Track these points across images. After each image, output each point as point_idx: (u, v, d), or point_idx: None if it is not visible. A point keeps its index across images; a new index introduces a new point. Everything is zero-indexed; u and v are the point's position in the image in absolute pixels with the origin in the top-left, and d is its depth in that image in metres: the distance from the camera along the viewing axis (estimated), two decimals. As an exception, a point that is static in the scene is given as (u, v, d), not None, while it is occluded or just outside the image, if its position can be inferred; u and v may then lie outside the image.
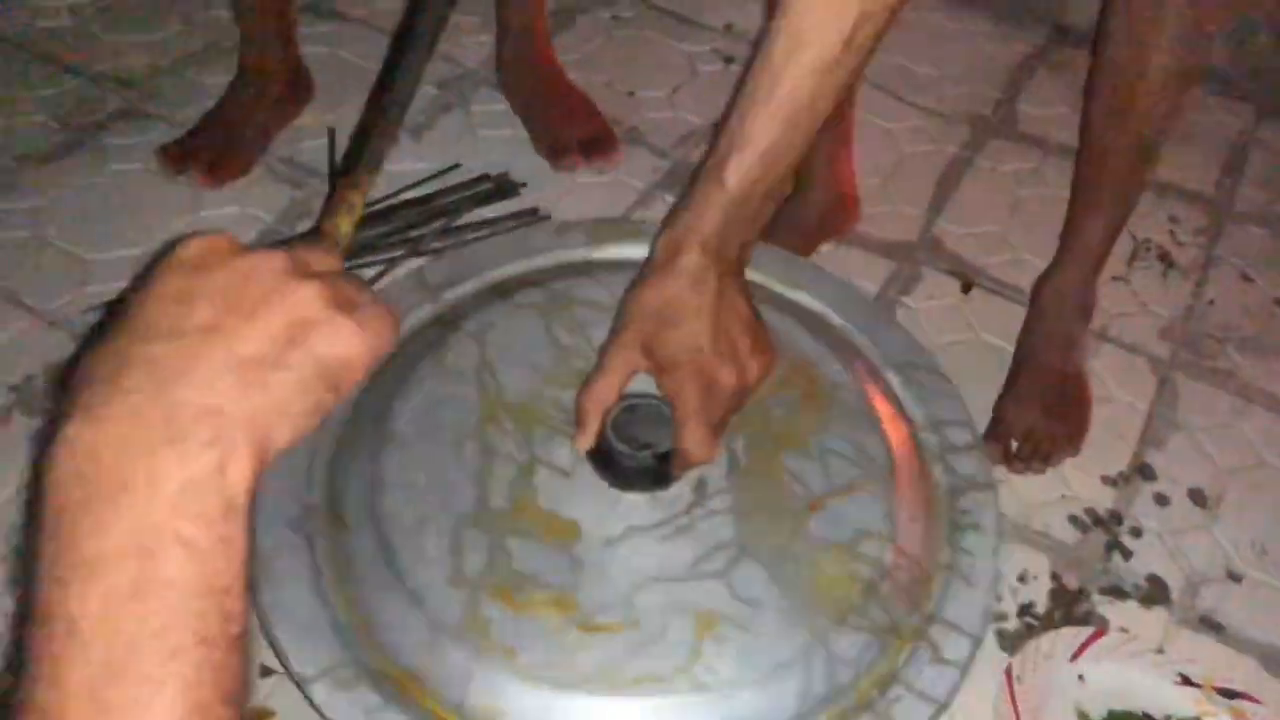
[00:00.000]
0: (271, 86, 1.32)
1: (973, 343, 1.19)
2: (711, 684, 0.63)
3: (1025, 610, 0.96)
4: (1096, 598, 0.97)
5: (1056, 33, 1.66)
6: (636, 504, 0.72)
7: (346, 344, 0.39)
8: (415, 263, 1.13)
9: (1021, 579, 0.98)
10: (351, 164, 0.56)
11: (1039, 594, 0.97)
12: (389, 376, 0.79)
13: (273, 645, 0.70)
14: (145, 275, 0.40)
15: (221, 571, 0.34)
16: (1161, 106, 1.01)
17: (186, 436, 0.35)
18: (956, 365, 1.14)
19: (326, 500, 0.74)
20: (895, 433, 0.79)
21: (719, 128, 0.73)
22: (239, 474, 0.35)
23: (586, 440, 0.73)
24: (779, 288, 0.93)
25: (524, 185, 1.29)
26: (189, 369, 0.36)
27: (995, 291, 1.25)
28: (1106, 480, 1.07)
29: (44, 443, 0.35)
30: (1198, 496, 1.06)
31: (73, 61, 1.41)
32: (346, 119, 1.34)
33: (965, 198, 1.37)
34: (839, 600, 0.68)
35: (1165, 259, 1.32)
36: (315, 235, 0.49)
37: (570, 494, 0.73)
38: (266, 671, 0.79)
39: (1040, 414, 1.08)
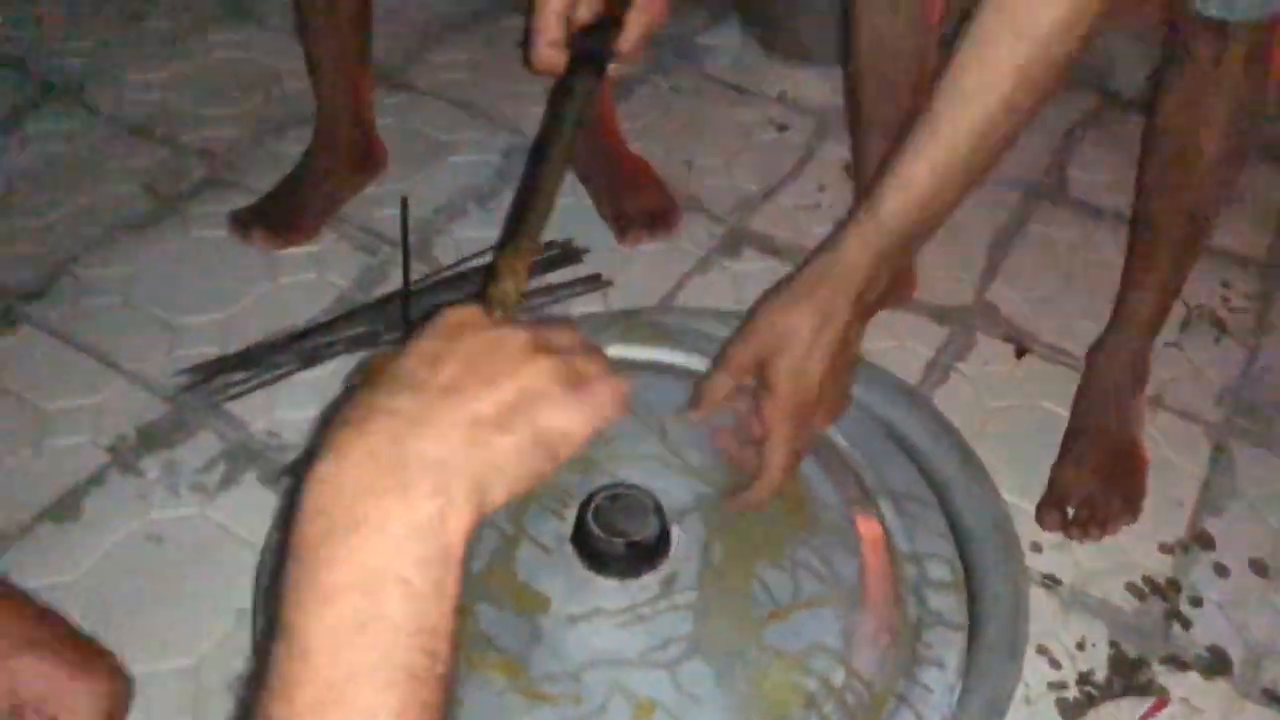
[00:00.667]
0: (345, 155, 1.38)
1: (1027, 408, 1.21)
2: None
3: (1085, 679, 0.97)
4: (1157, 667, 0.98)
5: (1105, 98, 1.69)
6: (607, 588, 0.74)
7: (568, 418, 0.43)
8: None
9: (1080, 646, 0.99)
10: (510, 236, 0.62)
11: (1098, 662, 0.98)
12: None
13: None
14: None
15: (433, 613, 0.37)
16: (1215, 181, 1.03)
17: (413, 485, 0.38)
18: (1011, 431, 1.17)
19: None
20: (872, 558, 0.80)
21: (862, 174, 0.76)
22: (457, 524, 0.39)
23: (698, 415, 0.78)
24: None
25: (587, 251, 1.34)
26: (424, 422, 0.40)
27: (1049, 358, 1.27)
28: (1164, 548, 1.08)
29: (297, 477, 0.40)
30: (1258, 566, 1.07)
31: (161, 133, 1.49)
32: (418, 187, 1.41)
33: (1018, 263, 1.39)
34: (779, 709, 0.69)
35: (1218, 324, 1.33)
36: (483, 301, 0.53)
37: (548, 570, 0.75)
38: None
39: (1097, 480, 1.09)
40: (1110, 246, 1.41)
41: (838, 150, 1.53)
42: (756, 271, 1.35)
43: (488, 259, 1.31)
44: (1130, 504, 1.10)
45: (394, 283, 1.28)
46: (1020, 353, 1.27)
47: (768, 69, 1.70)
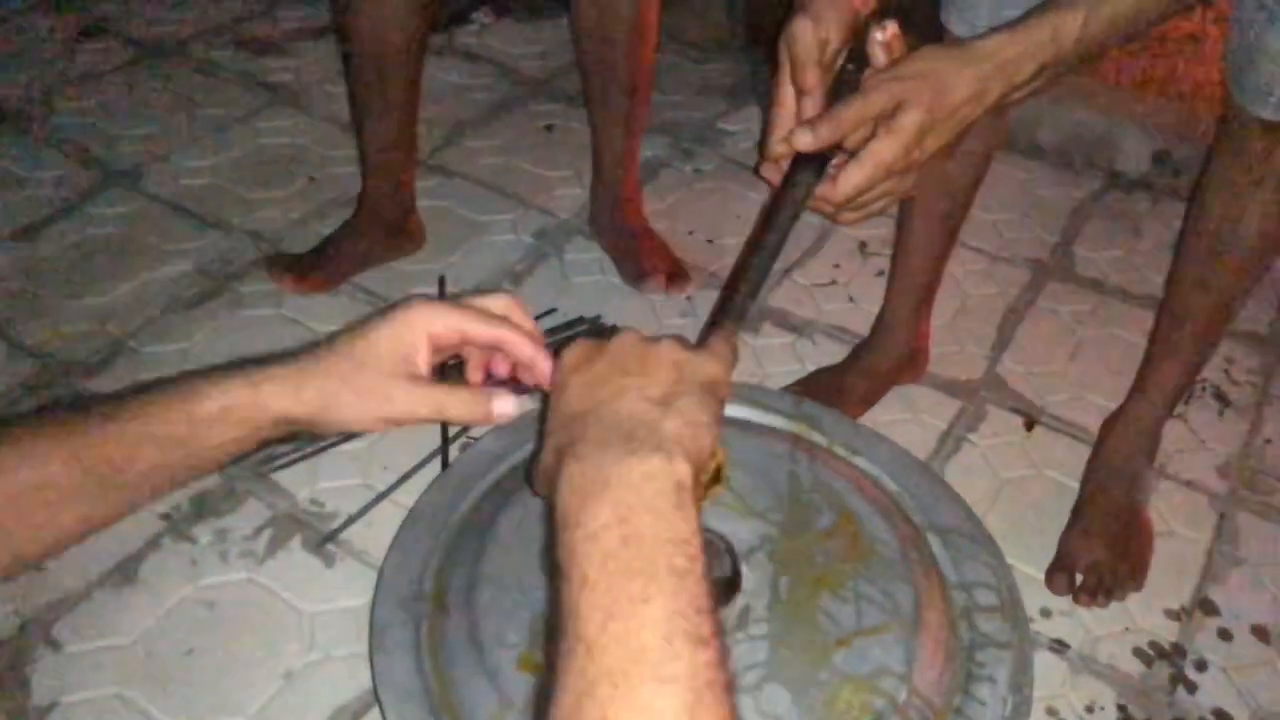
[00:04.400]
0: (386, 231, 1.47)
1: (1036, 478, 1.26)
2: None
3: (1094, 741, 1.01)
4: (1164, 730, 1.02)
5: (1110, 179, 1.76)
6: None
7: (711, 368, 0.58)
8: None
9: (1089, 709, 1.03)
10: (720, 315, 0.71)
11: (1107, 725, 1.02)
12: (500, 494, 0.90)
13: (378, 701, 0.83)
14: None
15: (680, 526, 0.48)
16: (1254, 272, 1.07)
17: (639, 448, 0.51)
18: (1021, 500, 1.22)
19: (434, 588, 0.86)
20: (926, 588, 0.86)
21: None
22: (680, 466, 0.50)
23: (830, 133, 0.74)
24: (840, 451, 1.01)
25: (614, 327, 1.41)
26: (623, 410, 0.54)
27: (1057, 429, 1.32)
28: (1169, 614, 1.12)
29: (548, 489, 0.54)
30: (1260, 632, 1.10)
31: (212, 216, 1.58)
32: (455, 266, 1.49)
33: (1027, 338, 1.45)
34: None
35: (1221, 398, 1.38)
36: None
37: None
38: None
39: (1105, 548, 1.14)
40: (1116, 322, 1.47)
41: (852, 231, 1.61)
42: (775, 346, 1.41)
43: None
44: (1137, 571, 1.14)
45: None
46: (1029, 425, 1.32)
47: (785, 151, 1.78)
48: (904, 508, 0.96)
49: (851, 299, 1.50)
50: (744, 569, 0.83)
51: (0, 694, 0.99)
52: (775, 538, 0.86)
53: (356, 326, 0.62)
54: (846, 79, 0.77)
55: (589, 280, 1.50)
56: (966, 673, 0.82)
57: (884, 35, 0.75)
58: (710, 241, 1.59)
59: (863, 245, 1.59)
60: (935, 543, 0.93)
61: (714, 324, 0.72)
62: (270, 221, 1.58)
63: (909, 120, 0.72)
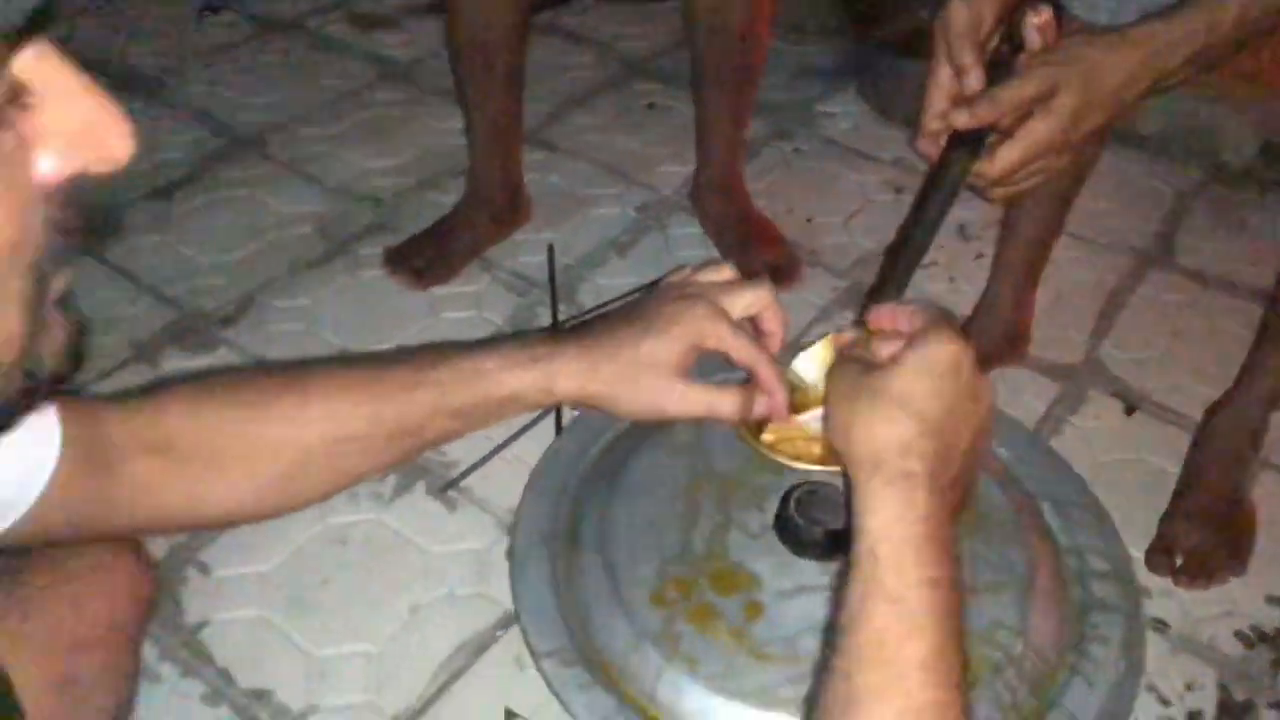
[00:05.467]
0: (493, 208, 1.52)
1: (1135, 463, 1.27)
2: None
3: (1193, 718, 1.02)
4: (1265, 712, 1.03)
5: (1214, 170, 1.75)
6: (808, 569, 0.85)
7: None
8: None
9: (1189, 687, 1.05)
10: (882, 284, 0.76)
11: (1207, 703, 1.04)
12: (628, 442, 0.95)
13: (520, 624, 0.89)
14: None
15: (946, 540, 0.54)
16: None
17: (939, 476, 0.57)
18: (1119, 483, 1.24)
19: (569, 526, 0.92)
20: (1039, 551, 0.89)
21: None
22: (950, 498, 0.57)
23: (990, 113, 0.77)
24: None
25: (717, 300, 1.45)
26: (965, 446, 0.60)
27: (1158, 415, 1.33)
28: (1272, 600, 1.13)
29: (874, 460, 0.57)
30: (1364, 620, 1.11)
31: (332, 182, 1.65)
32: (562, 238, 1.54)
33: (1127, 325, 1.46)
34: (970, 672, 0.78)
35: (1327, 389, 1.38)
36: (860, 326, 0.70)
37: (756, 552, 0.87)
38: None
39: (1206, 533, 1.15)
40: (1218, 313, 1.48)
41: (953, 213, 1.62)
42: (875, 324, 1.44)
43: (627, 302, 1.43)
44: (1238, 557, 1.15)
45: (542, 321, 1.40)
46: (1130, 410, 1.34)
47: (884, 135, 1.81)
48: (1017, 476, 0.99)
49: (952, 279, 1.53)
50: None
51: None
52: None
53: (638, 321, 0.67)
54: (1001, 60, 0.80)
55: (690, 254, 1.54)
56: (1080, 632, 0.85)
57: (1039, 19, 0.79)
58: (809, 220, 1.62)
59: (962, 228, 1.61)
60: (1048, 510, 0.96)
61: (876, 292, 0.76)
62: (386, 189, 1.65)
63: (1064, 103, 0.75)
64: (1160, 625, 1.10)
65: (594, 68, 1.98)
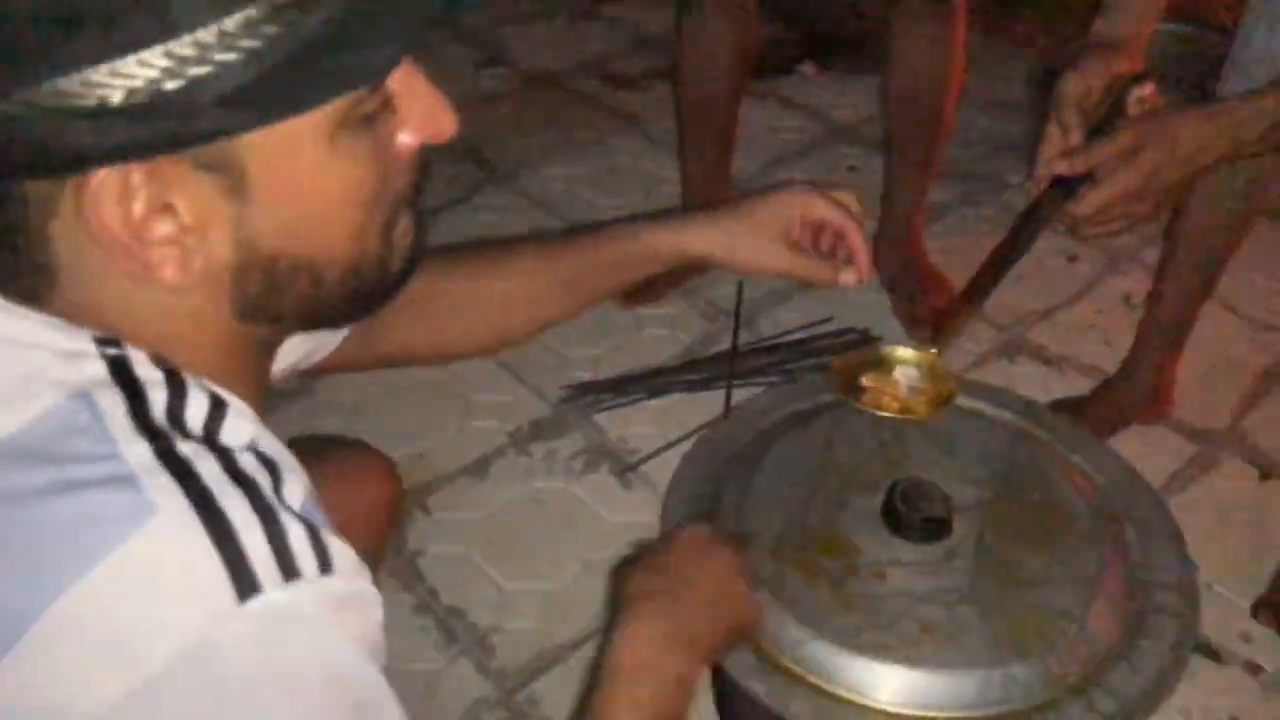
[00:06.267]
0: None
1: (1259, 523, 1.35)
2: (918, 661, 0.92)
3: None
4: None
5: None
6: (906, 549, 1.02)
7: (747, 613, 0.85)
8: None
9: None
10: (970, 296, 0.95)
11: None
12: (769, 436, 1.16)
13: None
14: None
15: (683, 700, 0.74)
16: None
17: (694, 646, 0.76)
18: (1242, 539, 1.32)
19: (712, 499, 1.12)
20: (1112, 560, 1.02)
21: None
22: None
23: (1075, 164, 0.92)
24: (1059, 447, 1.18)
25: (880, 339, 1.63)
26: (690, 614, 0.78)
27: (1293, 485, 1.40)
28: (1375, 664, 1.19)
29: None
30: None
31: (566, 215, 1.96)
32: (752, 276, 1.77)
33: (1276, 402, 1.52)
34: (1027, 644, 0.93)
35: None
36: (939, 336, 0.91)
37: (862, 531, 1.05)
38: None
39: (1315, 592, 1.23)
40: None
41: (1120, 283, 1.73)
42: (1027, 374, 1.58)
43: (799, 336, 1.64)
44: (1347, 618, 1.22)
45: (726, 344, 1.64)
46: (1265, 475, 1.41)
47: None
48: (1107, 498, 1.12)
49: (1108, 343, 1.63)
50: (957, 519, 1.03)
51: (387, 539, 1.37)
52: (987, 501, 1.06)
53: (755, 197, 0.83)
54: (1104, 127, 0.97)
55: (864, 299, 1.73)
56: (1135, 629, 0.98)
57: (1142, 92, 0.96)
58: (982, 280, 1.77)
59: (1127, 297, 1.71)
60: (1130, 531, 1.08)
61: (961, 304, 0.94)
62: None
63: (1146, 158, 0.90)
64: (1255, 668, 1.18)
65: (802, 131, 2.21)
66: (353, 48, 0.45)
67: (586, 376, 1.59)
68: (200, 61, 0.42)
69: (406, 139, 0.52)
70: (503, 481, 1.45)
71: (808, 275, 0.85)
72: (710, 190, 1.73)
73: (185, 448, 0.45)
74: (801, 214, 0.83)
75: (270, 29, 0.43)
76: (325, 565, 0.45)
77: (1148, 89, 0.96)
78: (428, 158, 0.54)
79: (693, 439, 1.46)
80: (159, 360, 0.49)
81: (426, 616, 1.28)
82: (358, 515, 1.00)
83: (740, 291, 1.73)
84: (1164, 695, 0.95)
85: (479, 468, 1.47)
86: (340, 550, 0.46)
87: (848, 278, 0.86)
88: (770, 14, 2.49)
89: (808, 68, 2.42)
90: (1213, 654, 1.20)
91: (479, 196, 2.02)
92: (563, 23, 2.66)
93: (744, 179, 2.01)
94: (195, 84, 0.42)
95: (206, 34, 0.42)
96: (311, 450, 1.02)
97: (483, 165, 2.11)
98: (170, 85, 0.42)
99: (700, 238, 0.82)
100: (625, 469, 1.45)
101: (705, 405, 1.52)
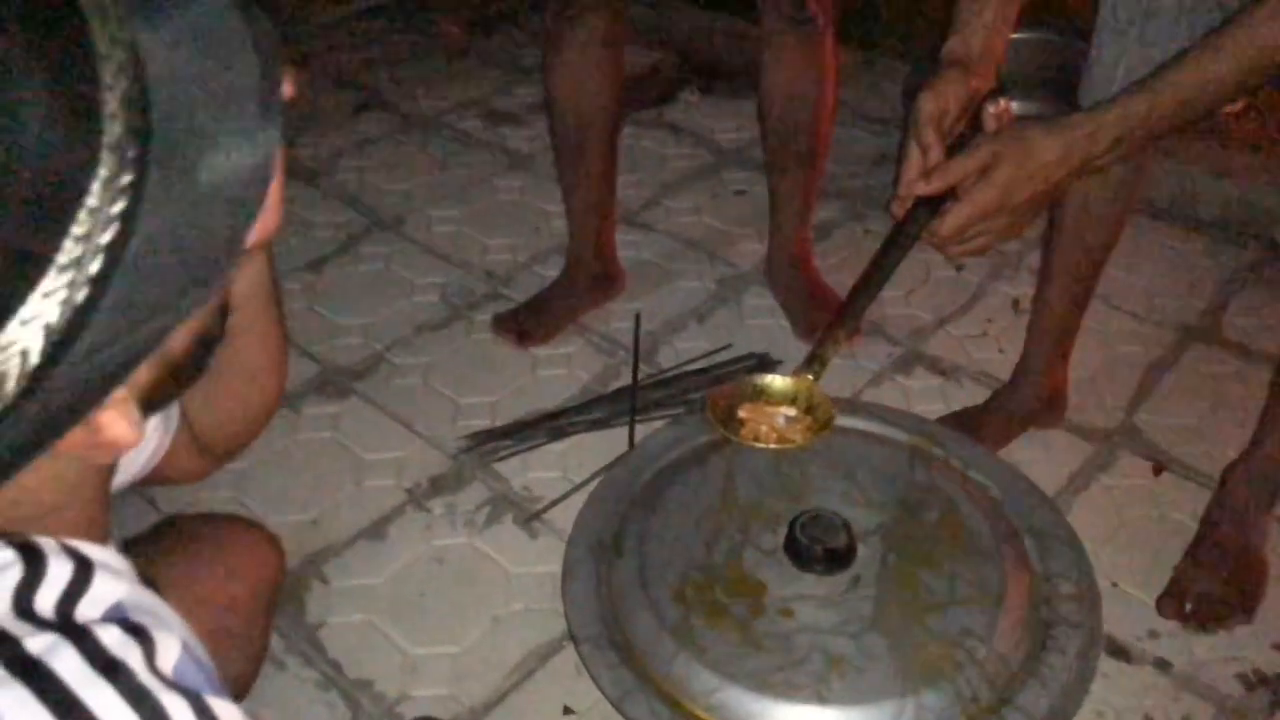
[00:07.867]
0: (588, 279, 1.75)
1: (1158, 517, 1.37)
2: (828, 699, 0.92)
3: (1187, 749, 1.12)
4: (1259, 748, 1.12)
5: (1269, 247, 1.83)
6: (809, 581, 1.02)
7: None
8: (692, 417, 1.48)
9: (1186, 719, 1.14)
10: (843, 317, 0.92)
11: (1202, 737, 1.13)
12: (669, 473, 1.14)
13: (567, 617, 1.08)
14: None
15: None
16: None
17: None
18: (1141, 535, 1.34)
19: (613, 538, 1.10)
20: (1014, 574, 1.03)
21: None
22: None
23: (932, 187, 0.92)
24: (955, 462, 1.19)
25: (780, 363, 1.62)
26: None
27: (1186, 476, 1.43)
28: (1277, 647, 1.21)
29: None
30: (1365, 670, 1.18)
31: (456, 258, 1.92)
32: (649, 306, 1.75)
33: (1166, 394, 1.56)
34: (936, 669, 0.92)
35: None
36: (813, 362, 0.88)
37: (766, 567, 1.04)
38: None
39: (1216, 581, 1.24)
40: (1259, 384, 1.55)
41: (1007, 289, 1.76)
42: (925, 388, 1.59)
43: (700, 365, 1.62)
44: (1247, 605, 1.24)
45: (626, 379, 1.61)
46: (1158, 470, 1.43)
47: (952, 217, 1.95)
48: (1004, 511, 1.12)
49: (1001, 350, 1.66)
50: (859, 545, 1.02)
51: (283, 612, 1.29)
52: (888, 524, 1.05)
53: None
54: (963, 143, 0.97)
55: (762, 324, 1.72)
56: (1040, 643, 0.98)
57: (995, 109, 0.96)
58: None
59: (1015, 303, 1.74)
60: (1029, 542, 1.09)
61: (833, 328, 0.93)
62: (501, 264, 1.90)
63: (1001, 174, 0.91)
64: (1164, 665, 1.20)
65: (690, 158, 2.21)
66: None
67: (484, 424, 1.55)
68: None
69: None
70: (402, 542, 1.39)
71: None
72: (594, 221, 1.71)
73: (36, 644, 0.42)
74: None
75: None
76: None
77: (1002, 104, 0.96)
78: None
79: (597, 481, 1.44)
80: (9, 536, 0.46)
81: (331, 691, 1.21)
82: (240, 595, 0.95)
83: (638, 324, 1.71)
84: (1075, 709, 0.95)
85: (376, 529, 1.41)
86: (226, 710, 0.45)
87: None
88: (651, 43, 2.51)
89: (690, 93, 2.42)
90: (1122, 654, 1.20)
91: (364, 245, 1.96)
92: (439, 62, 2.62)
93: (634, 207, 2.00)
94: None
95: None
96: (189, 531, 0.97)
97: (365, 212, 2.05)
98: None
99: None
100: (529, 518, 1.41)
101: (609, 443, 1.49)
